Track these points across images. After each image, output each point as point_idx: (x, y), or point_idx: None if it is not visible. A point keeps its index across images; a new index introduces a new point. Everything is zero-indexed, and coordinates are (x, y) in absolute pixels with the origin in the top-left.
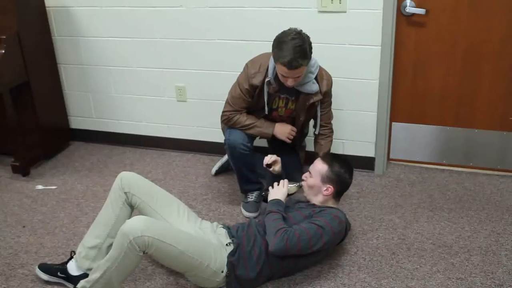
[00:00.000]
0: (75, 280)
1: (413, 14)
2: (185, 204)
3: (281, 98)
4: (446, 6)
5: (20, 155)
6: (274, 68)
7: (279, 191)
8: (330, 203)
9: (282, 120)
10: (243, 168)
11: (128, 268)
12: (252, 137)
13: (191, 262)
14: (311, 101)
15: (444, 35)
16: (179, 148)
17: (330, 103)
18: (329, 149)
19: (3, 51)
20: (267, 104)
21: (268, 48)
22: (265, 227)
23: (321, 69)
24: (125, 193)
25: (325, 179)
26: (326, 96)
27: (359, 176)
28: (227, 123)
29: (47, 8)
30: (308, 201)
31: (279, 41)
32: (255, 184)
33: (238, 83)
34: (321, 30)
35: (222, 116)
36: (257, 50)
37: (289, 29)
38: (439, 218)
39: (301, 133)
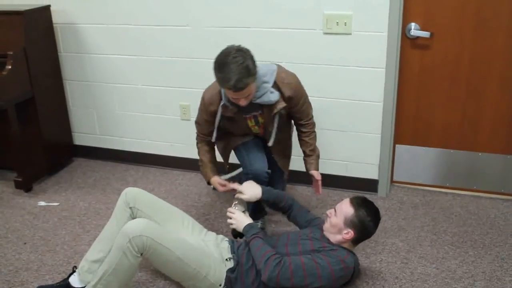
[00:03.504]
0: None
1: (417, 37)
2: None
3: (248, 118)
4: (451, 29)
5: (23, 171)
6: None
7: (242, 216)
8: (346, 245)
9: (262, 135)
10: None
11: (125, 272)
12: (269, 161)
13: (188, 270)
14: (275, 111)
15: (448, 58)
16: (182, 166)
17: (304, 101)
18: (314, 144)
19: (10, 67)
20: (241, 128)
21: None
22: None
23: (279, 72)
24: (130, 208)
25: (348, 223)
26: (294, 100)
27: None
28: (196, 144)
29: (54, 25)
30: (323, 235)
31: (220, 64)
32: (260, 210)
33: (199, 111)
34: (326, 51)
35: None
36: None
37: (227, 48)
38: (443, 242)
39: (280, 142)
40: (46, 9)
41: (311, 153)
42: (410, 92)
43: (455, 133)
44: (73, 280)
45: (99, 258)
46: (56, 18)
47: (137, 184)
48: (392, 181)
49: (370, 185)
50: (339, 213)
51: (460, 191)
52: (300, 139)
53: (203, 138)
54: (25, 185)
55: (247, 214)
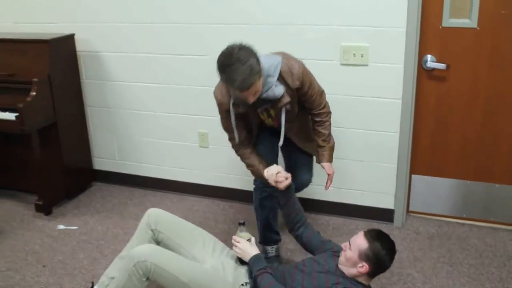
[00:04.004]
0: None
1: (433, 69)
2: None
3: (260, 112)
4: (467, 61)
5: (43, 194)
6: None
7: (247, 245)
8: (362, 279)
9: (277, 127)
10: (269, 213)
11: None
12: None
13: None
14: (280, 105)
15: (464, 89)
16: (199, 193)
17: (314, 90)
18: (328, 134)
19: (34, 93)
20: (257, 125)
21: None
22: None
23: (284, 64)
24: (152, 230)
25: (363, 256)
26: (302, 89)
27: (378, 227)
28: (235, 152)
29: (77, 53)
30: (339, 268)
31: (223, 65)
32: (276, 234)
33: (219, 115)
34: (343, 82)
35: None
36: None
37: (228, 47)
38: (459, 274)
39: (302, 129)
40: (70, 38)
41: (323, 143)
42: (426, 123)
43: (471, 164)
44: None
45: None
46: (79, 46)
47: None
48: (408, 211)
49: (386, 214)
50: (354, 247)
51: (477, 223)
52: (313, 129)
53: (239, 145)
54: (45, 209)
55: (253, 241)
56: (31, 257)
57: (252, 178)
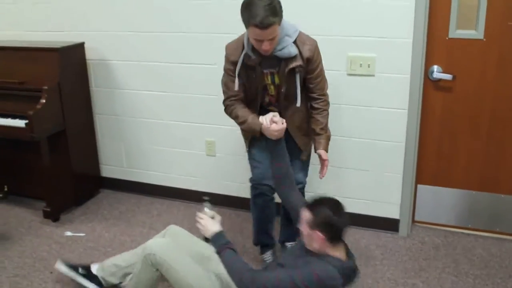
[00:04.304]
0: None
1: (440, 79)
2: None
3: (265, 74)
4: (473, 72)
5: (51, 201)
6: (249, 40)
7: (210, 222)
8: (328, 250)
9: (275, 101)
10: (261, 213)
11: (146, 282)
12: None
13: None
14: (291, 66)
15: (470, 100)
16: None
17: (320, 72)
18: (325, 123)
19: (44, 101)
20: (259, 85)
21: None
22: None
23: (301, 34)
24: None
25: (312, 226)
26: (311, 63)
27: (383, 237)
28: (228, 114)
29: (87, 61)
30: (307, 248)
31: (247, 3)
32: (270, 238)
33: (223, 70)
34: (350, 92)
35: (224, 107)
36: None
37: None
38: (464, 285)
39: (295, 115)
40: (80, 46)
41: (321, 131)
42: (432, 133)
43: (477, 174)
44: (94, 267)
45: (120, 264)
46: (89, 54)
47: (161, 217)
48: (413, 221)
49: (391, 224)
50: (302, 223)
51: (483, 233)
52: (311, 117)
53: (233, 99)
54: (53, 215)
55: (217, 218)
56: (39, 264)
57: None
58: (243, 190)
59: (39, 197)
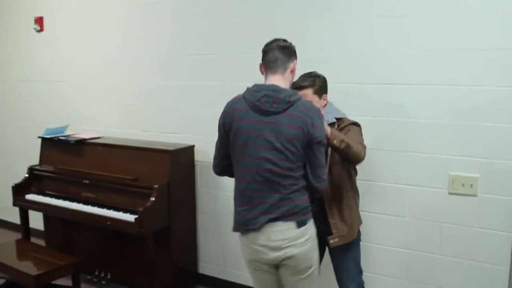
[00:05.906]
0: None
1: None
2: None
3: None
4: None
5: None
6: None
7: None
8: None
9: None
10: None
11: None
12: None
13: None
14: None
15: None
16: None
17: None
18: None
19: (154, 199)
20: None
21: None
22: None
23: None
24: None
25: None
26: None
27: None
28: None
29: (195, 162)
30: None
31: None
32: None
33: None
34: (451, 211)
35: None
36: None
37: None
38: None
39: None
40: (190, 149)
41: None
42: None
43: None
44: None
45: None
46: (197, 156)
47: None
48: None
49: None
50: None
51: None
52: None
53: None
54: None
55: None
56: None
57: None
58: None
59: (139, 286)
